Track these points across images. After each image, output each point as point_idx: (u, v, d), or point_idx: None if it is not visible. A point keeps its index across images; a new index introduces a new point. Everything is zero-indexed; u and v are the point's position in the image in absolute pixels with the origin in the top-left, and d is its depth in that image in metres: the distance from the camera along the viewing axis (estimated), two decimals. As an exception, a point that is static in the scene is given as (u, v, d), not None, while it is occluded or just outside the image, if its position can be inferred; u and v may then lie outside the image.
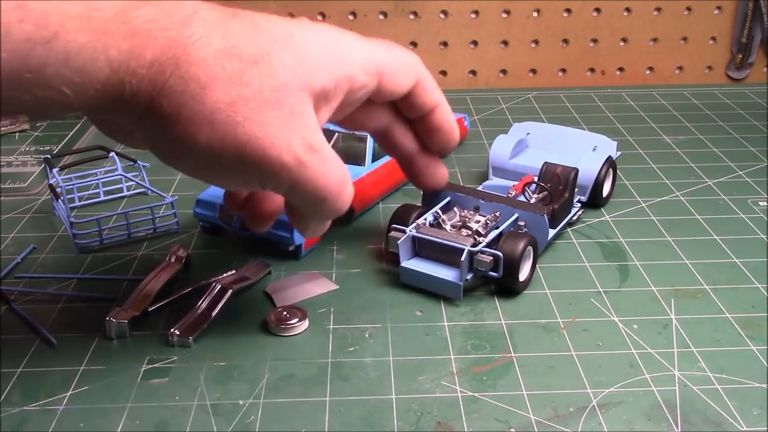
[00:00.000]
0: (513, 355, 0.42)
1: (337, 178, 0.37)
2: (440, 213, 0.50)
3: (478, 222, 0.49)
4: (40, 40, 0.28)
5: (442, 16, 0.86)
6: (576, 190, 0.56)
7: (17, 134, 0.76)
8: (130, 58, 0.31)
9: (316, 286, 0.48)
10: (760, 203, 0.59)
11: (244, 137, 0.33)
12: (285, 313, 0.45)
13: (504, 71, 0.89)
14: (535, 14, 0.87)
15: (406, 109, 0.44)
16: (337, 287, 0.49)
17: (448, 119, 0.45)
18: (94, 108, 0.32)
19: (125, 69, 0.31)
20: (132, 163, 0.60)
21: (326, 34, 0.38)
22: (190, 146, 0.33)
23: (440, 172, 0.48)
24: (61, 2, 0.28)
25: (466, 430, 0.37)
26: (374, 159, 0.58)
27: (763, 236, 0.54)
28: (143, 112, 0.33)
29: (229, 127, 0.33)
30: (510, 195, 0.54)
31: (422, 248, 0.49)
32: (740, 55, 0.88)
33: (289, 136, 0.34)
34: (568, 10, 0.87)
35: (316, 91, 0.36)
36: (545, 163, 0.56)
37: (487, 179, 0.61)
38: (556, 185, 0.54)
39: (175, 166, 0.36)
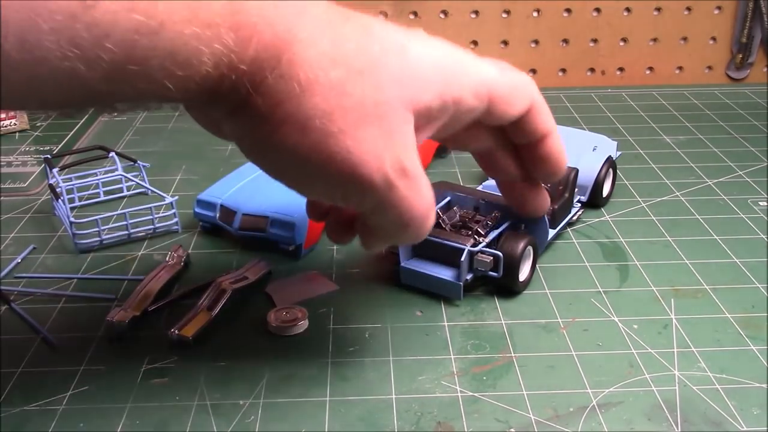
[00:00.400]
0: (513, 355, 0.42)
1: (425, 206, 0.35)
2: (440, 213, 0.50)
3: (478, 222, 0.49)
4: (146, 31, 0.27)
5: (442, 16, 0.86)
6: (576, 190, 0.56)
7: (17, 134, 0.76)
8: (233, 52, 0.29)
9: (316, 286, 0.48)
10: (760, 203, 0.59)
11: (335, 149, 0.31)
12: (285, 313, 0.45)
13: (504, 71, 0.89)
14: (535, 14, 0.87)
15: (514, 134, 0.40)
16: (337, 287, 0.49)
17: (557, 149, 0.41)
18: (191, 100, 0.31)
19: (227, 63, 0.29)
20: (132, 163, 0.60)
21: (440, 48, 0.36)
22: (278, 148, 0.32)
23: (542, 201, 0.45)
24: None
25: (466, 430, 0.37)
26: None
27: (763, 236, 0.54)
28: (237, 106, 0.31)
29: (322, 136, 0.31)
30: (510, 195, 0.54)
31: (422, 248, 0.49)
32: (740, 55, 0.88)
33: (384, 155, 0.32)
34: (568, 10, 0.87)
35: (419, 109, 0.34)
36: (545, 163, 0.55)
37: (487, 179, 0.61)
38: (556, 185, 0.54)
39: (258, 163, 0.35)
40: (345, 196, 0.34)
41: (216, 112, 0.33)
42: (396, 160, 0.33)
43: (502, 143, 0.42)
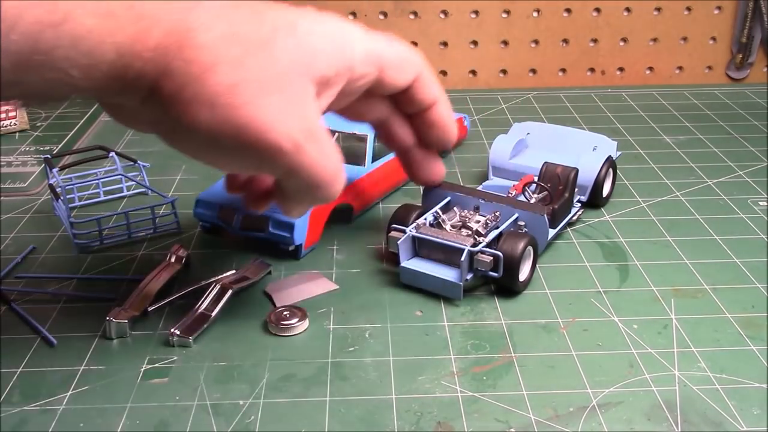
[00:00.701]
0: (513, 355, 0.42)
1: (333, 166, 0.38)
2: (440, 213, 0.50)
3: (478, 222, 0.49)
4: (50, 23, 0.29)
5: (442, 16, 0.86)
6: (576, 190, 0.56)
7: (17, 134, 0.76)
8: (136, 41, 0.32)
9: (316, 286, 0.48)
10: (760, 203, 0.59)
11: (243, 120, 0.34)
12: (285, 313, 0.45)
13: (504, 71, 0.89)
14: (535, 14, 0.87)
15: (405, 103, 0.44)
16: (337, 287, 0.49)
17: (445, 116, 0.45)
18: (99, 90, 0.33)
19: (130, 52, 0.32)
20: (132, 163, 0.60)
21: (329, 23, 0.38)
22: (190, 127, 0.34)
23: (436, 168, 0.48)
24: None
25: (466, 430, 0.37)
26: (374, 159, 0.58)
27: (763, 236, 0.54)
28: (147, 94, 0.34)
29: (229, 110, 0.33)
30: (510, 195, 0.54)
31: (422, 248, 0.49)
32: (740, 55, 0.88)
33: (289, 121, 0.35)
34: (568, 10, 0.87)
35: (317, 77, 0.36)
36: (545, 163, 0.56)
37: (487, 179, 0.61)
38: (556, 185, 0.54)
39: (176, 147, 0.37)
40: (259, 164, 0.37)
41: (130, 100, 0.35)
42: (301, 123, 0.35)
43: (397, 114, 0.45)
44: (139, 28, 0.32)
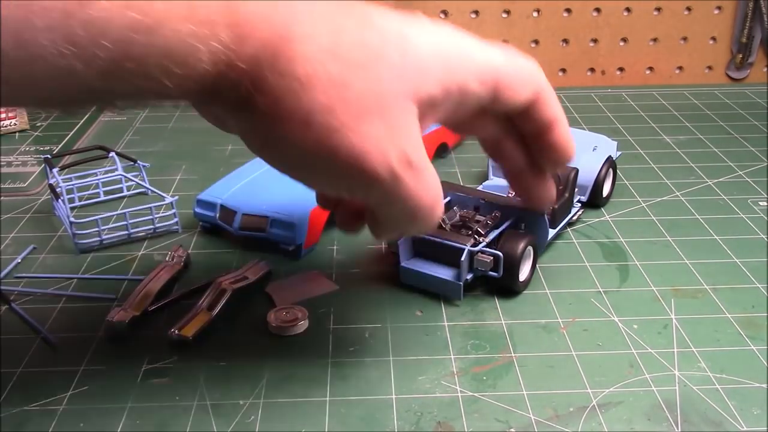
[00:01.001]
0: (513, 355, 0.42)
1: (431, 197, 0.35)
2: (440, 213, 0.50)
3: (478, 222, 0.49)
4: (143, 29, 0.27)
5: (442, 16, 0.86)
6: (576, 190, 0.56)
7: (17, 134, 0.76)
8: (231, 50, 0.29)
9: (316, 286, 0.48)
10: (760, 203, 0.59)
11: (338, 143, 0.31)
12: (285, 313, 0.45)
13: (504, 71, 0.89)
14: (535, 14, 0.87)
15: (521, 122, 0.40)
16: (337, 287, 0.49)
17: (565, 137, 0.40)
18: (191, 98, 0.32)
19: (225, 61, 0.29)
20: (132, 163, 0.60)
21: (442, 35, 0.35)
22: (281, 144, 0.32)
23: (549, 191, 0.44)
24: None
25: (466, 430, 0.37)
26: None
27: (763, 236, 0.54)
28: (240, 104, 0.31)
29: (324, 131, 0.31)
30: (510, 195, 0.54)
31: (422, 248, 0.49)
32: (740, 55, 0.88)
33: (388, 148, 0.32)
34: (568, 10, 0.87)
35: (422, 99, 0.33)
36: (545, 163, 0.56)
37: (487, 179, 0.61)
38: (556, 185, 0.54)
39: (263, 158, 0.35)
40: (350, 189, 0.34)
41: (218, 109, 0.33)
42: (400, 152, 0.32)
43: (509, 131, 0.41)
44: (236, 36, 0.29)
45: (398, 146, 0.32)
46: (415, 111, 0.33)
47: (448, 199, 0.51)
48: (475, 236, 0.47)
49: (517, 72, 0.37)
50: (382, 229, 0.38)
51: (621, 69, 0.90)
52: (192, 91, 0.30)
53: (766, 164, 0.66)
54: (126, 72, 0.27)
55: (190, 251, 0.51)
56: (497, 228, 0.48)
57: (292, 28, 0.30)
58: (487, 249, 0.46)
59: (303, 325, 0.44)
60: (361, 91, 0.31)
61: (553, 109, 0.39)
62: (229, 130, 0.36)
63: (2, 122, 0.76)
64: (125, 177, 0.59)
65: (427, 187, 0.34)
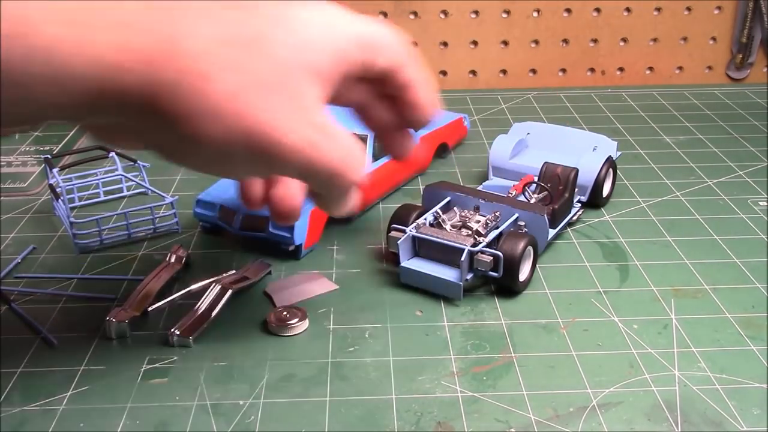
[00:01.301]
0: (513, 355, 0.42)
1: (347, 152, 0.37)
2: (440, 213, 0.50)
3: (478, 222, 0.49)
4: (15, 35, 0.27)
5: (442, 16, 0.86)
6: (576, 190, 0.56)
7: (17, 134, 0.76)
8: (118, 53, 0.29)
9: (316, 286, 0.48)
10: (760, 203, 0.59)
11: (253, 127, 0.33)
12: (285, 313, 0.45)
13: (504, 71, 0.89)
14: (535, 14, 0.87)
15: (388, 84, 0.42)
16: (337, 287, 0.49)
17: (425, 97, 0.43)
18: (87, 110, 0.31)
19: (113, 65, 0.29)
20: (132, 163, 0.60)
21: (321, 10, 0.37)
22: (196, 143, 0.32)
23: (406, 144, 0.46)
24: None
25: (466, 430, 0.37)
26: (374, 159, 0.58)
27: (763, 236, 0.54)
28: (141, 112, 0.32)
29: (236, 119, 0.32)
30: (510, 195, 0.54)
31: (422, 248, 0.49)
32: (740, 55, 0.88)
33: (296, 118, 0.34)
34: (568, 10, 0.87)
35: (317, 69, 0.35)
36: (545, 163, 0.56)
37: (487, 179, 0.61)
38: (556, 185, 0.54)
39: (182, 164, 0.36)
40: (272, 166, 0.35)
41: (123, 119, 0.33)
42: (308, 118, 0.34)
43: (376, 94, 0.43)
44: (120, 38, 0.29)
45: (305, 114, 0.34)
46: (312, 80, 0.35)
47: (448, 199, 0.51)
48: (475, 236, 0.47)
49: (385, 37, 0.39)
50: (323, 200, 0.40)
51: (621, 69, 0.90)
52: (85, 100, 0.30)
53: (766, 164, 0.66)
54: (9, 84, 0.27)
55: (190, 251, 0.51)
56: (497, 228, 0.48)
57: (175, 23, 0.31)
58: (487, 249, 0.46)
59: (303, 324, 0.44)
60: (259, 71, 0.33)
61: (415, 72, 0.41)
62: (137, 147, 0.37)
63: (2, 122, 0.76)
64: (125, 177, 0.59)
65: (340, 142, 0.36)
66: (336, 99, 0.42)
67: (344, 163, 0.37)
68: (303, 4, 0.37)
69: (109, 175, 0.59)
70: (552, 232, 0.51)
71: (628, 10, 0.87)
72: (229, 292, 0.45)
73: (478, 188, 0.55)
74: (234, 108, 0.32)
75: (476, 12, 0.86)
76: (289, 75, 0.34)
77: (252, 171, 0.37)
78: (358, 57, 0.38)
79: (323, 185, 0.38)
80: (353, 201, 0.41)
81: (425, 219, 0.49)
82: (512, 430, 0.37)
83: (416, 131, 0.48)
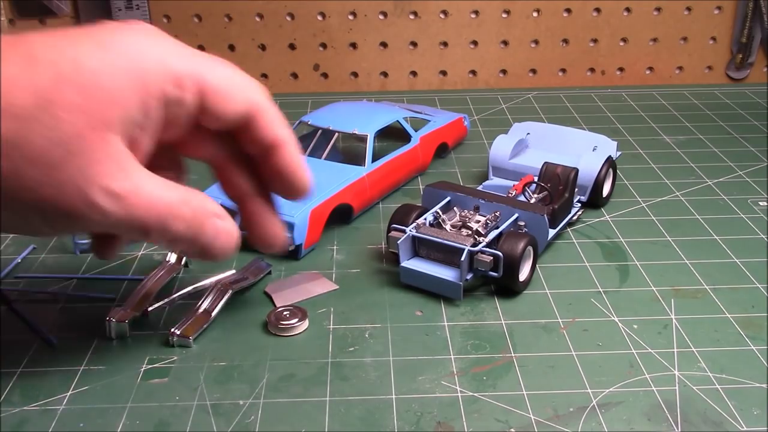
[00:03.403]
0: (513, 355, 0.42)
1: (159, 211, 0.34)
2: (440, 213, 0.50)
3: (478, 222, 0.49)
4: None
5: (442, 16, 0.86)
6: (576, 190, 0.56)
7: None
8: None
9: (316, 286, 0.48)
10: (760, 203, 0.59)
11: (40, 201, 0.31)
12: (285, 313, 0.45)
13: (504, 71, 0.89)
14: (535, 14, 0.87)
15: (244, 142, 0.38)
16: (337, 287, 0.49)
17: (292, 162, 0.38)
18: None
19: None
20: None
21: (127, 45, 0.33)
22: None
23: (272, 228, 0.40)
24: None
25: (466, 430, 0.37)
26: (374, 159, 0.58)
27: (763, 236, 0.54)
28: None
29: (21, 193, 0.30)
30: (510, 195, 0.54)
31: (422, 248, 0.49)
32: (740, 55, 0.88)
33: (89, 190, 0.31)
34: (568, 10, 0.87)
35: (117, 126, 0.32)
36: (545, 163, 0.56)
37: (487, 179, 0.61)
38: (556, 185, 0.54)
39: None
40: (73, 229, 0.35)
41: None
42: (99, 186, 0.32)
43: (235, 154, 0.39)
44: None
45: (96, 182, 0.32)
46: (112, 139, 0.32)
47: (448, 199, 0.51)
48: (475, 236, 0.47)
49: (227, 80, 0.36)
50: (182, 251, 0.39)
51: (621, 69, 0.90)
52: None
53: (766, 164, 0.66)
54: None
55: (190, 251, 0.51)
56: (497, 228, 0.48)
57: None
58: (487, 249, 0.46)
59: (303, 325, 0.44)
60: (43, 144, 0.30)
61: (277, 130, 0.37)
62: None
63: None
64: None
65: (148, 202, 0.33)
66: (184, 149, 0.39)
67: (148, 222, 0.33)
68: (105, 38, 0.33)
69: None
70: (552, 232, 0.51)
71: (628, 10, 0.87)
72: (229, 292, 0.45)
73: (478, 188, 0.55)
74: (17, 185, 0.30)
75: (476, 12, 0.86)
76: (80, 143, 0.31)
77: (57, 232, 0.37)
78: (179, 95, 0.34)
79: (134, 238, 0.36)
80: (222, 243, 0.37)
81: (425, 219, 0.49)
82: (512, 430, 0.37)
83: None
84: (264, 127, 0.37)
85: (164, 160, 0.38)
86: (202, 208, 0.36)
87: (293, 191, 0.39)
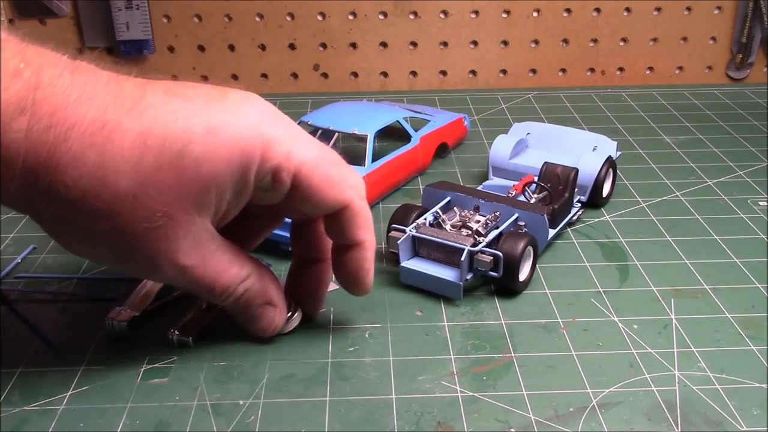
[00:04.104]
0: (513, 355, 0.42)
1: (216, 285, 0.38)
2: (440, 213, 0.50)
3: (478, 222, 0.49)
4: None
5: (442, 16, 0.86)
6: (576, 190, 0.56)
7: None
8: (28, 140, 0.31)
9: (316, 286, 0.48)
10: (760, 203, 0.59)
11: (133, 248, 0.35)
12: None
13: (504, 71, 0.89)
14: (535, 14, 0.87)
15: (327, 226, 0.40)
16: (337, 287, 0.49)
17: (365, 266, 0.40)
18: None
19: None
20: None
21: (236, 124, 0.34)
22: (84, 233, 0.35)
23: (316, 303, 0.45)
24: None
25: (466, 430, 0.37)
26: (374, 159, 0.58)
27: (763, 236, 0.54)
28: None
29: (121, 239, 0.34)
30: (510, 195, 0.54)
31: (422, 248, 0.49)
32: (740, 55, 0.88)
33: (159, 261, 0.35)
34: (568, 10, 0.87)
35: (206, 209, 0.35)
36: (545, 163, 0.56)
37: (487, 179, 0.61)
38: (556, 185, 0.54)
39: (72, 247, 0.37)
40: (137, 275, 0.43)
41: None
42: (170, 261, 0.36)
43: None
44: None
45: (167, 256, 0.35)
46: (197, 220, 0.35)
47: (448, 199, 0.51)
48: (475, 236, 0.47)
49: (330, 172, 0.37)
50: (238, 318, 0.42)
51: (621, 69, 0.90)
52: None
53: (766, 164, 0.66)
54: None
55: (190, 251, 0.51)
56: (497, 228, 0.48)
57: (57, 153, 0.32)
58: (487, 249, 0.46)
59: (295, 320, 0.44)
60: (126, 222, 0.33)
61: (363, 231, 0.39)
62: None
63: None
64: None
65: (206, 278, 0.37)
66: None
67: (213, 289, 0.38)
68: (214, 113, 0.34)
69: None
70: (552, 232, 0.51)
71: (628, 10, 0.87)
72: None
73: (478, 188, 0.55)
74: (120, 230, 0.34)
75: (476, 12, 0.86)
76: (167, 223, 0.34)
77: (138, 274, 0.41)
78: (272, 185, 0.36)
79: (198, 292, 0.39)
80: (258, 326, 0.42)
81: (425, 219, 0.49)
82: (512, 430, 0.37)
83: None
84: (352, 224, 0.38)
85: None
86: (256, 292, 0.40)
87: (353, 289, 0.42)
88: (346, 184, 0.37)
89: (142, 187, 0.33)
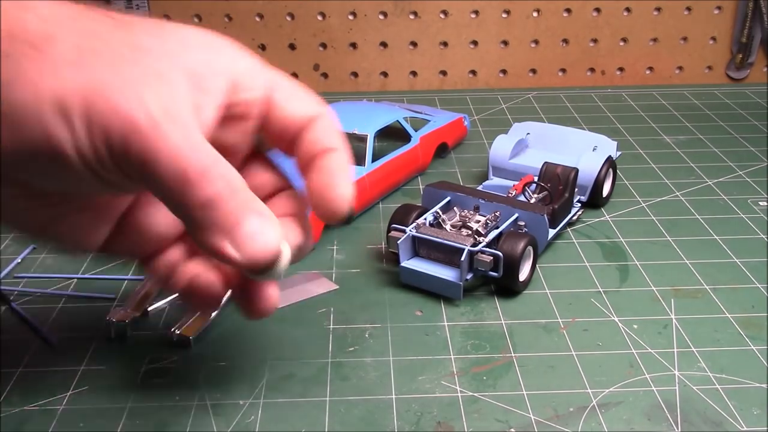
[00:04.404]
0: (513, 355, 0.42)
1: (201, 161, 0.29)
2: (440, 213, 0.50)
3: (478, 222, 0.49)
4: None
5: (442, 16, 0.86)
6: (576, 190, 0.56)
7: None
8: None
9: (316, 286, 0.48)
10: (760, 203, 0.59)
11: (90, 83, 0.28)
12: None
13: (504, 71, 0.89)
14: (535, 14, 0.87)
15: (298, 144, 0.36)
16: (337, 287, 0.49)
17: (345, 167, 0.35)
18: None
19: None
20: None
21: (203, 34, 0.33)
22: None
23: (267, 293, 0.37)
24: None
25: (466, 430, 0.37)
26: (374, 159, 0.58)
27: (763, 236, 0.54)
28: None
29: (75, 73, 0.28)
30: (510, 195, 0.54)
31: (422, 248, 0.49)
32: (740, 55, 0.88)
33: (145, 92, 0.29)
34: (568, 10, 0.87)
35: (188, 68, 0.31)
36: (545, 163, 0.56)
37: (487, 179, 0.61)
38: (556, 185, 0.54)
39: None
40: (108, 142, 0.29)
41: None
42: (159, 100, 0.29)
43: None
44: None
45: (157, 95, 0.29)
46: (181, 76, 0.30)
47: (448, 199, 0.51)
48: (475, 236, 0.47)
49: (293, 85, 0.36)
50: (195, 229, 0.31)
51: (621, 69, 0.90)
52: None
53: (766, 164, 0.66)
54: None
55: (190, 251, 0.51)
56: (497, 228, 0.48)
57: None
58: (487, 249, 0.46)
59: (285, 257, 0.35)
60: (114, 41, 0.29)
61: (333, 138, 0.36)
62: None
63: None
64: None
65: (194, 145, 0.30)
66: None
67: (192, 168, 0.29)
68: (182, 25, 0.33)
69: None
70: (552, 232, 0.51)
71: (628, 10, 0.87)
72: (230, 292, 0.45)
73: (478, 188, 0.55)
74: (76, 64, 0.28)
75: (476, 12, 0.86)
76: (151, 57, 0.30)
77: (78, 141, 0.29)
78: (250, 85, 0.33)
79: (165, 192, 0.30)
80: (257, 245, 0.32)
81: (425, 219, 0.49)
82: (512, 430, 0.37)
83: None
84: (323, 133, 0.36)
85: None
86: (247, 193, 0.31)
87: (331, 205, 0.34)
88: (314, 97, 0.37)
89: (129, 23, 0.31)
